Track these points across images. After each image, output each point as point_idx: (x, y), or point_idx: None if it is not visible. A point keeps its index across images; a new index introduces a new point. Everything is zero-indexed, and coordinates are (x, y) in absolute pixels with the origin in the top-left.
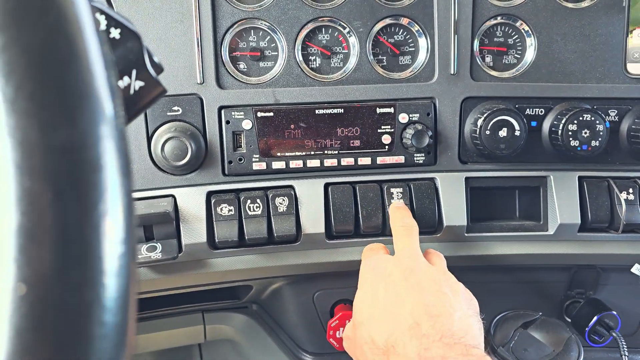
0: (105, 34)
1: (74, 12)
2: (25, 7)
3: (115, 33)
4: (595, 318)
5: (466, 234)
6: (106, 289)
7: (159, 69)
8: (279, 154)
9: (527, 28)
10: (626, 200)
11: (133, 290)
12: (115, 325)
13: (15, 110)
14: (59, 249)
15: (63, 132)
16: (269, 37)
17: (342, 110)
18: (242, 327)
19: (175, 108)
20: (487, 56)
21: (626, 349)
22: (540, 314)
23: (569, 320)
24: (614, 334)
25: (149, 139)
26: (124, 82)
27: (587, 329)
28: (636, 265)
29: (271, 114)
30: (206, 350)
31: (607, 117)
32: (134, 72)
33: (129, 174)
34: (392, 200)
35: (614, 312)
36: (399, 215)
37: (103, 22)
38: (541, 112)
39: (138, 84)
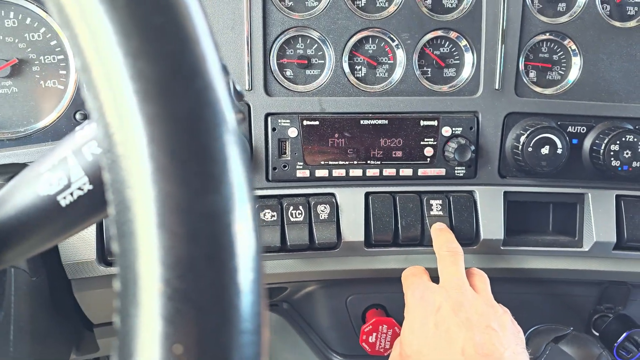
0: None
1: (213, 77)
2: (176, 75)
3: None
4: (625, 334)
5: (502, 247)
6: (248, 346)
7: (240, 97)
8: (322, 163)
9: (573, 46)
10: None
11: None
12: None
13: (168, 179)
14: (212, 312)
15: (211, 198)
16: (316, 45)
17: (386, 121)
18: (273, 325)
19: None
20: (531, 72)
21: None
22: (572, 328)
23: (597, 334)
24: None
25: None
26: None
27: (615, 344)
28: None
29: (317, 122)
30: None
31: None
32: None
33: (258, 233)
34: (431, 212)
35: None
36: (444, 239)
37: None
38: (583, 130)
39: None
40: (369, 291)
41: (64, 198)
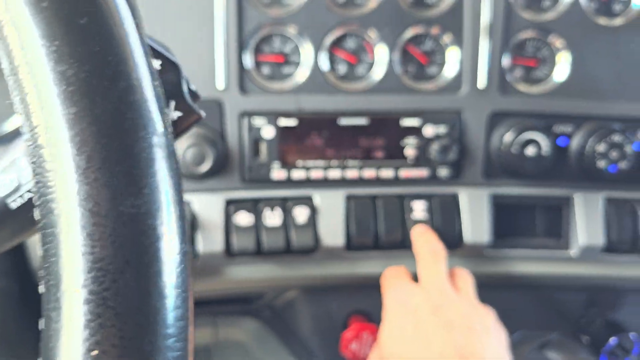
0: None
1: (139, 78)
2: (98, 76)
3: (156, 64)
4: (612, 339)
5: (487, 251)
6: (171, 351)
7: (196, 97)
8: (299, 163)
9: (559, 43)
10: None
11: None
12: None
13: (87, 180)
14: (131, 317)
15: (131, 201)
16: (294, 42)
17: (366, 121)
18: (253, 331)
19: None
20: (517, 70)
21: None
22: (557, 333)
23: (585, 339)
24: (630, 357)
25: None
26: None
27: (604, 349)
28: None
29: (293, 122)
30: (216, 354)
31: (636, 137)
32: (172, 104)
33: (185, 236)
34: (413, 215)
35: (632, 335)
36: (424, 240)
37: None
38: (569, 130)
39: (176, 114)
40: (353, 297)
41: (14, 201)
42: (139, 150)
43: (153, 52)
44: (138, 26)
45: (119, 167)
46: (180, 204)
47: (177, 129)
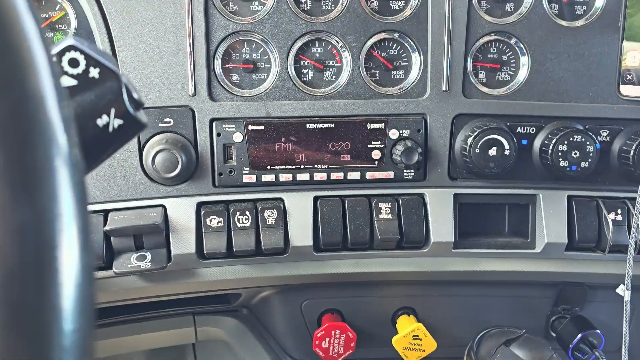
0: (84, 74)
1: (34, 87)
2: None
3: (94, 73)
4: (579, 336)
5: (453, 250)
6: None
7: (138, 105)
8: (269, 167)
9: (521, 45)
10: (614, 221)
11: None
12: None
13: None
14: (16, 329)
15: (23, 212)
16: (262, 49)
17: (332, 125)
18: (232, 330)
19: (167, 120)
20: (481, 73)
21: None
22: (524, 331)
23: (554, 335)
24: (596, 353)
25: (141, 150)
26: (102, 121)
27: (570, 346)
28: (621, 286)
29: (262, 127)
30: (200, 350)
31: (598, 137)
32: (112, 111)
33: (87, 247)
34: (380, 216)
35: (598, 331)
36: None
37: (82, 62)
38: (532, 130)
39: (117, 122)
40: (325, 296)
41: None
42: (33, 160)
43: (91, 60)
44: (41, 38)
45: (9, 176)
46: (83, 216)
47: (121, 138)
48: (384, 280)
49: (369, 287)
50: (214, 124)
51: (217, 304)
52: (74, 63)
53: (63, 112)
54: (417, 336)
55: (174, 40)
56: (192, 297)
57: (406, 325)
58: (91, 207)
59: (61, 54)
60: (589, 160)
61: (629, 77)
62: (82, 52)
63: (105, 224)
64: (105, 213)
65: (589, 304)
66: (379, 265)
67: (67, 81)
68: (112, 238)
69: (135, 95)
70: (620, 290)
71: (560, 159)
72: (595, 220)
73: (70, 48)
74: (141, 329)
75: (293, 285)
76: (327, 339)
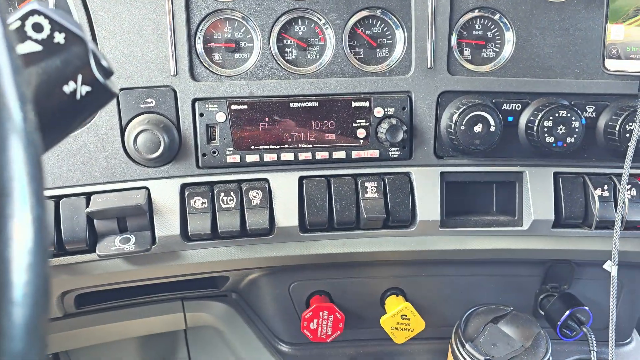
0: (49, 39)
1: None
2: None
3: (59, 38)
4: (567, 313)
5: (440, 229)
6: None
7: (107, 73)
8: (252, 147)
9: (506, 21)
10: (600, 197)
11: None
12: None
13: None
14: None
15: None
16: (244, 28)
17: (317, 104)
18: (221, 315)
19: (149, 100)
20: (466, 49)
21: (595, 344)
22: (512, 308)
23: (543, 313)
24: (584, 329)
25: (122, 132)
26: (69, 87)
27: (559, 323)
28: (608, 262)
29: (245, 106)
30: (191, 336)
31: (584, 113)
32: (79, 77)
33: (42, 226)
34: (366, 195)
35: (586, 308)
36: None
37: (47, 27)
38: (518, 107)
39: (85, 89)
40: (313, 277)
41: None
42: None
43: (56, 25)
44: None
45: None
46: (34, 191)
47: (90, 105)
48: (372, 261)
49: (357, 268)
50: (196, 104)
51: (206, 288)
52: (38, 28)
53: (20, 87)
54: (406, 316)
55: (154, 19)
56: (181, 281)
57: (394, 305)
58: (73, 190)
59: (24, 18)
60: (575, 135)
61: (614, 51)
62: (46, 16)
63: (87, 207)
64: (88, 195)
65: (577, 282)
66: (366, 245)
67: (31, 47)
68: (95, 221)
69: (104, 63)
70: (607, 266)
71: (546, 135)
72: (582, 196)
73: (33, 12)
74: (129, 315)
75: (280, 267)
76: (315, 320)
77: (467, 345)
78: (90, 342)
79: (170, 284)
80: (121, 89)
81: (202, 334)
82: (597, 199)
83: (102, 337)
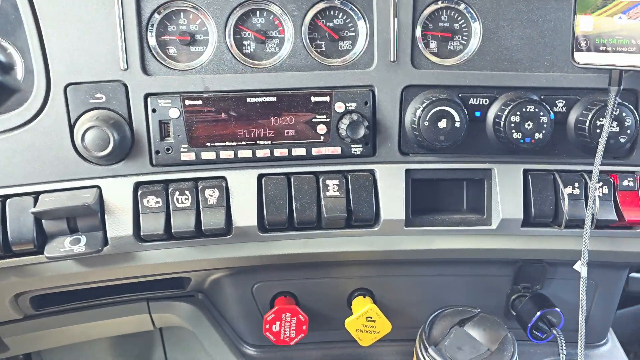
0: None
1: None
2: None
3: None
4: (537, 314)
5: (405, 228)
6: None
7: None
8: (208, 144)
9: (471, 11)
10: (570, 195)
11: None
12: None
13: None
14: None
15: None
16: (199, 20)
17: (275, 99)
18: (187, 316)
19: (99, 95)
20: (432, 42)
21: (565, 347)
22: (479, 310)
23: (515, 314)
24: (554, 331)
25: (72, 128)
26: None
27: (529, 325)
28: (578, 262)
29: (200, 102)
30: (168, 335)
31: (554, 108)
32: None
33: None
34: (327, 193)
35: (557, 309)
36: None
37: None
38: (486, 102)
39: None
40: (277, 278)
41: None
42: None
43: None
44: None
45: None
46: None
47: None
48: (339, 261)
49: (323, 268)
50: (148, 99)
51: (172, 288)
52: None
53: None
54: (371, 318)
55: (102, 11)
56: (145, 282)
57: (361, 306)
58: (20, 189)
59: None
60: (543, 131)
61: (583, 43)
62: None
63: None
64: (37, 195)
65: (550, 282)
66: (329, 245)
67: None
68: (43, 221)
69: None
70: (578, 266)
71: (514, 131)
72: (552, 194)
73: None
74: (96, 316)
75: (243, 267)
76: (278, 323)
77: (430, 349)
78: (57, 344)
79: (134, 285)
80: (69, 84)
81: (179, 334)
82: (566, 197)
83: (69, 339)
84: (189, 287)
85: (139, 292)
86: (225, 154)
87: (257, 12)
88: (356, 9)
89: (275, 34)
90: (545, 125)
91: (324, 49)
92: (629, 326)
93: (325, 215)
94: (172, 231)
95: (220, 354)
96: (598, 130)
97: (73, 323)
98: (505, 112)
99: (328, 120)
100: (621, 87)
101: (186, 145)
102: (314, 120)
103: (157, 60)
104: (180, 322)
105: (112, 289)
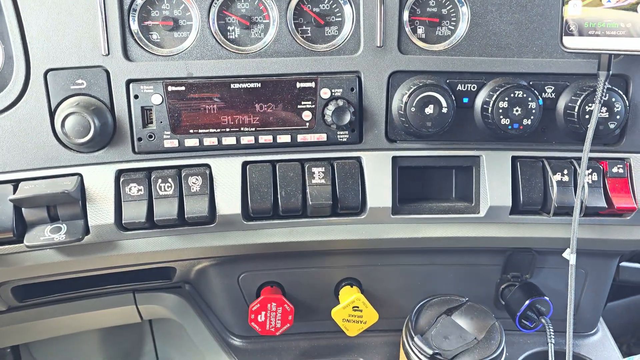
0: None
1: None
2: None
3: None
4: (526, 303)
5: (392, 216)
6: None
7: None
8: (191, 131)
9: None
10: (559, 182)
11: None
12: None
13: None
14: None
15: None
16: (183, 5)
17: (259, 85)
18: (174, 307)
19: (80, 81)
20: (420, 27)
21: (553, 336)
22: (467, 299)
23: (504, 304)
24: (543, 320)
25: (52, 115)
26: None
27: (517, 314)
28: (567, 250)
29: (183, 88)
30: (157, 327)
31: (543, 93)
32: None
33: None
34: (313, 181)
35: (546, 298)
36: None
37: None
38: (474, 87)
39: None
40: (263, 268)
41: None
42: None
43: None
44: None
45: None
46: None
47: None
48: (325, 251)
49: (310, 257)
50: (130, 85)
51: (157, 279)
52: None
53: None
54: (357, 307)
55: None
56: (130, 272)
57: (349, 296)
58: None
59: None
60: (532, 117)
61: (571, 28)
62: None
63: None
64: (16, 183)
65: (540, 271)
66: (315, 233)
67: None
68: (23, 209)
69: None
70: (567, 254)
71: (502, 117)
72: (541, 181)
73: None
74: (82, 307)
75: (228, 256)
76: (263, 313)
77: (415, 338)
78: (43, 336)
79: (119, 276)
80: (49, 70)
81: (168, 327)
82: (555, 184)
83: (55, 331)
84: (175, 278)
85: (125, 283)
86: (209, 141)
87: None
88: None
89: (260, 19)
90: (533, 111)
91: (309, 34)
92: (622, 318)
93: (311, 203)
94: (155, 219)
95: (206, 345)
96: (587, 116)
97: (59, 315)
98: (493, 98)
99: (313, 106)
100: (610, 72)
101: (169, 132)
102: (299, 106)
103: (140, 45)
104: (167, 314)
105: (97, 280)
